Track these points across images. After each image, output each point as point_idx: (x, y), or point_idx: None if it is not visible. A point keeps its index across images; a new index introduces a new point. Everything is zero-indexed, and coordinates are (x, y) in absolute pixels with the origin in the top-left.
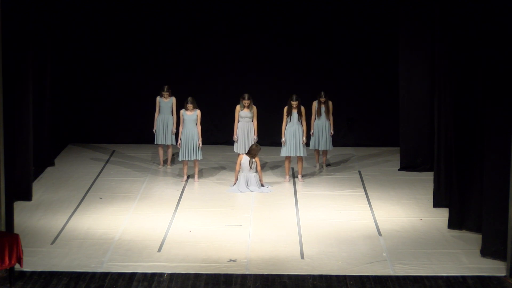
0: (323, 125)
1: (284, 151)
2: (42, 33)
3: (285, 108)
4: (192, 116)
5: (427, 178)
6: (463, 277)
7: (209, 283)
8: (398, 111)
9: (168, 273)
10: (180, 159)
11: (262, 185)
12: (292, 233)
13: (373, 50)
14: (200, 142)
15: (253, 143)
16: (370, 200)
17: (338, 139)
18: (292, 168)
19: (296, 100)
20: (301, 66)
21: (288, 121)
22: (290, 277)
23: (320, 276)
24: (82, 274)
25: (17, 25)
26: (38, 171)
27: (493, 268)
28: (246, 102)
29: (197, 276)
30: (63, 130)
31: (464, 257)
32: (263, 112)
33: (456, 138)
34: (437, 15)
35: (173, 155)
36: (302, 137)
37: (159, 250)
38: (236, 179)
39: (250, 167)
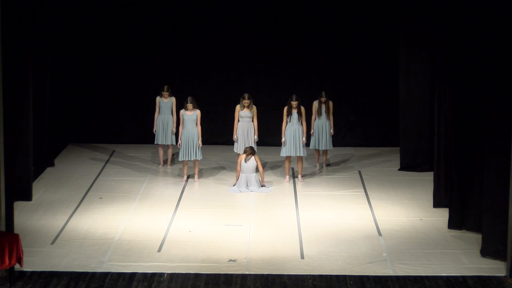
0: (323, 125)
1: (284, 151)
2: (42, 33)
3: (285, 108)
4: (192, 116)
5: (427, 178)
6: (463, 277)
7: (209, 283)
8: (398, 111)
9: (168, 273)
10: (180, 159)
11: (263, 186)
12: (292, 233)
13: (373, 50)
14: (200, 142)
15: (253, 143)
16: (370, 200)
17: (338, 139)
18: (292, 168)
19: (296, 100)
20: (302, 66)
21: (288, 121)
22: (290, 277)
23: (320, 276)
24: (82, 274)
25: (17, 25)
26: (38, 171)
27: (493, 268)
28: (246, 102)
29: (197, 276)
30: (63, 130)
31: (464, 257)
32: (263, 112)
33: (456, 138)
34: (437, 14)
35: (173, 155)
36: (302, 137)
37: (159, 250)
38: (237, 180)
39: (245, 161)
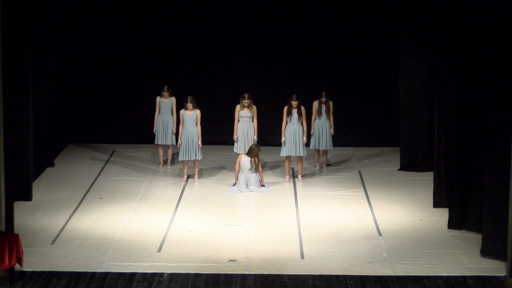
0: (323, 125)
1: (284, 151)
2: (42, 33)
3: (285, 108)
4: (192, 116)
5: (427, 178)
6: (463, 277)
7: (209, 283)
8: (398, 111)
9: (168, 273)
10: (180, 159)
11: (263, 186)
12: (292, 233)
13: (373, 50)
14: (200, 142)
15: (253, 143)
16: (370, 200)
17: (338, 139)
18: (292, 168)
19: (296, 100)
20: (301, 66)
21: (288, 121)
22: (290, 277)
23: (320, 276)
24: (82, 274)
25: (17, 25)
26: (38, 171)
27: (493, 268)
28: (246, 101)
29: (197, 276)
30: (63, 130)
31: (464, 257)
32: (263, 112)
33: (456, 138)
34: (437, 14)
35: (173, 155)
36: (302, 137)
37: (159, 250)
38: (237, 179)
39: (250, 167)
